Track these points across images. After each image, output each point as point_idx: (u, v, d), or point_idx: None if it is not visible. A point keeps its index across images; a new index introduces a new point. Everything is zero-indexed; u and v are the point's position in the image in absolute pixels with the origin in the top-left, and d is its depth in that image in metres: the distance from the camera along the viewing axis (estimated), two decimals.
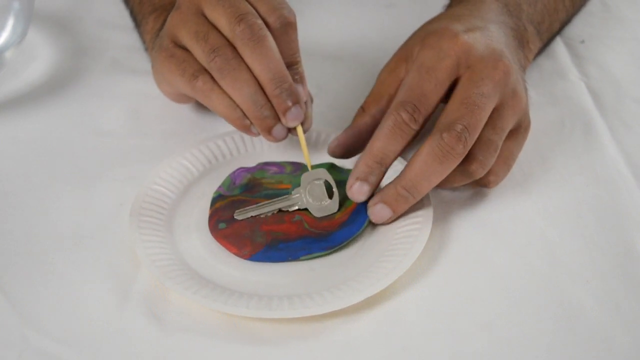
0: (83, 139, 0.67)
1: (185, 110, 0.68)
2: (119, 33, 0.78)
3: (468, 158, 0.55)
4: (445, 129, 0.53)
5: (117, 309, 0.52)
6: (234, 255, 0.56)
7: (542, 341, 0.50)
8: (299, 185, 0.58)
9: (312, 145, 0.63)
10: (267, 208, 0.58)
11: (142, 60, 0.72)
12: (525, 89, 0.59)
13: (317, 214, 0.58)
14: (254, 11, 0.56)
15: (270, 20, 0.57)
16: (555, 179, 0.62)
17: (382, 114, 0.57)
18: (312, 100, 0.61)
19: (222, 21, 0.56)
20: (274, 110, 0.57)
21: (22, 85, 0.72)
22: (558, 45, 0.77)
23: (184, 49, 0.59)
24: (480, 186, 0.59)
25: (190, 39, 0.57)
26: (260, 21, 0.56)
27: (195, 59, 0.58)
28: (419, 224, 0.56)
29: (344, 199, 0.58)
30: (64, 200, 0.60)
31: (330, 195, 0.58)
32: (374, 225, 0.58)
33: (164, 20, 0.64)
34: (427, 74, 0.56)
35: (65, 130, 0.67)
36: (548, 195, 0.60)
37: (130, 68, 0.74)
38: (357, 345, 0.50)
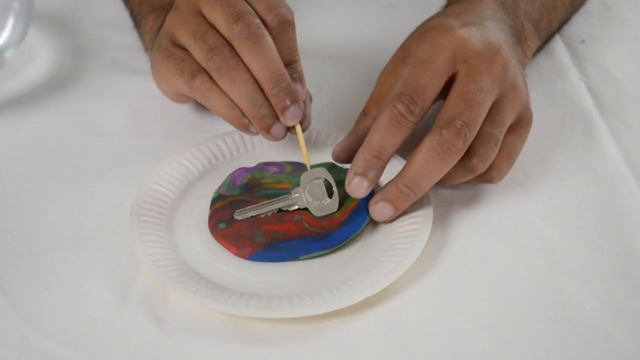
0: (83, 139, 0.67)
1: (185, 110, 0.68)
2: (119, 33, 0.78)
3: (468, 153, 0.55)
4: (445, 125, 0.53)
5: (117, 309, 0.52)
6: (234, 255, 0.56)
7: (542, 341, 0.50)
8: (298, 184, 0.58)
9: (312, 144, 0.63)
10: (267, 208, 0.58)
11: (142, 60, 0.72)
12: (525, 83, 0.59)
13: (317, 214, 0.58)
14: (251, 10, 0.56)
15: (268, 19, 0.57)
16: (555, 179, 0.62)
17: None
18: (311, 99, 0.61)
19: (219, 21, 0.56)
20: (272, 109, 0.57)
21: (22, 85, 0.72)
22: (558, 45, 0.77)
23: (183, 48, 0.59)
24: (483, 182, 0.59)
25: (188, 39, 0.57)
26: (257, 20, 0.56)
27: (193, 59, 0.58)
28: (419, 224, 0.56)
29: (343, 199, 0.58)
30: (64, 200, 0.60)
31: (330, 194, 0.58)
32: (374, 225, 0.58)
33: (163, 20, 0.64)
34: (423, 66, 0.56)
35: (65, 130, 0.67)
36: (548, 195, 0.61)
37: (130, 68, 0.74)
38: (357, 345, 0.50)
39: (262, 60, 0.56)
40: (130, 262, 0.55)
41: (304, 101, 0.59)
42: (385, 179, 0.58)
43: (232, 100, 0.57)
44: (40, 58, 0.75)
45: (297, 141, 0.59)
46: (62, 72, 0.74)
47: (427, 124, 0.57)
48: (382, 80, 0.61)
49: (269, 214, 0.58)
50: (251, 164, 0.62)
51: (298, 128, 0.58)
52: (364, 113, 0.61)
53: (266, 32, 0.56)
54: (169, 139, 0.66)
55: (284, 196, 0.58)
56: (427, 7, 0.68)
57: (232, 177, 0.61)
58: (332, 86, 0.72)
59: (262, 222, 0.57)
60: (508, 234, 0.58)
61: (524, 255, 0.56)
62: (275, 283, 0.54)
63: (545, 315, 0.52)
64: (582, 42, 0.78)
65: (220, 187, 0.60)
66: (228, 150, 0.64)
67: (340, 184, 0.58)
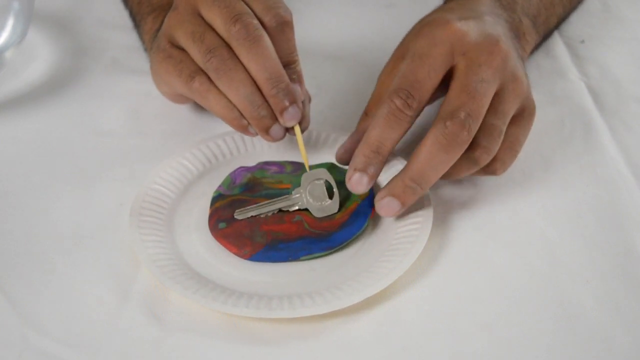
0: (83, 139, 0.67)
1: (185, 110, 0.68)
2: (119, 33, 0.78)
3: (472, 145, 0.54)
4: (449, 117, 0.53)
5: (117, 309, 0.52)
6: (234, 255, 0.56)
7: (542, 341, 0.50)
8: (299, 185, 0.58)
9: (312, 145, 0.63)
10: (267, 208, 0.58)
11: (141, 60, 0.72)
12: (526, 75, 0.58)
13: (318, 214, 0.58)
14: (249, 11, 0.56)
15: (266, 19, 0.57)
16: (555, 179, 0.62)
17: None
18: (310, 100, 0.61)
19: (217, 21, 0.56)
20: (271, 110, 0.57)
21: (22, 85, 0.72)
22: (558, 45, 0.77)
23: (181, 49, 0.59)
24: (487, 174, 0.59)
25: (186, 40, 0.57)
26: (255, 21, 0.56)
27: (192, 60, 0.58)
28: (419, 224, 0.56)
29: (344, 199, 0.58)
30: (64, 200, 0.60)
31: (331, 195, 0.58)
32: (374, 225, 0.58)
33: (162, 21, 0.64)
34: (421, 60, 0.56)
35: (65, 130, 0.67)
36: (548, 195, 0.60)
37: (130, 68, 0.74)
38: (357, 345, 0.50)
39: (261, 61, 0.56)
40: (130, 262, 0.55)
41: (303, 102, 0.59)
42: (384, 179, 0.58)
43: (230, 101, 0.57)
44: (40, 58, 0.75)
45: (297, 142, 0.59)
46: (62, 72, 0.74)
47: (429, 117, 0.57)
48: (382, 79, 0.61)
49: (269, 214, 0.58)
50: (251, 163, 0.62)
51: (297, 129, 0.58)
52: (365, 113, 0.61)
53: (264, 33, 0.56)
54: (168, 139, 0.66)
55: (285, 196, 0.58)
56: (427, 7, 0.68)
57: (232, 176, 0.61)
58: (332, 86, 0.72)
59: (262, 222, 0.57)
60: (508, 234, 0.57)
61: (524, 255, 0.56)
62: (275, 283, 0.54)
63: (545, 315, 0.52)
64: (582, 42, 0.78)
65: (220, 187, 0.60)
66: (228, 150, 0.64)
67: (341, 184, 0.58)
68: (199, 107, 0.68)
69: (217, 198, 0.59)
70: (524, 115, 0.58)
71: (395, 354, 0.50)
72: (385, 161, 0.55)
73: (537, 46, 0.73)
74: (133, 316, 0.52)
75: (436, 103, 0.58)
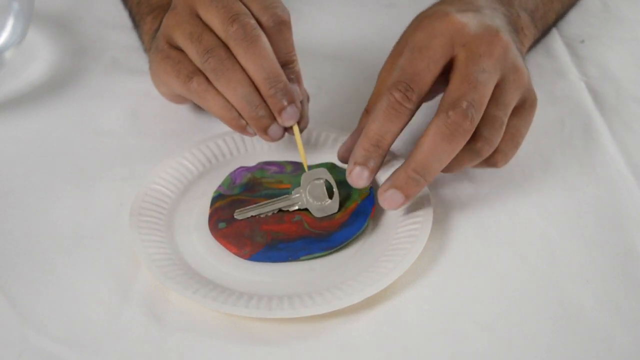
0: (83, 139, 0.67)
1: (185, 110, 0.68)
2: (119, 33, 0.78)
3: (474, 136, 0.54)
4: (451, 107, 0.53)
5: (117, 309, 0.52)
6: (234, 255, 0.56)
7: (542, 341, 0.50)
8: (299, 185, 0.58)
9: (312, 145, 0.63)
10: (267, 208, 0.58)
11: (141, 60, 0.72)
12: (526, 66, 0.58)
13: (318, 214, 0.58)
14: (247, 11, 0.56)
15: (264, 19, 0.57)
16: (555, 179, 0.62)
17: None
18: (308, 99, 0.61)
19: (215, 22, 0.56)
20: (269, 110, 0.57)
21: (22, 85, 0.72)
22: (558, 45, 0.77)
23: (180, 50, 0.59)
24: (488, 166, 0.58)
25: (184, 40, 0.57)
26: (253, 21, 0.56)
27: (190, 60, 0.58)
28: (419, 224, 0.56)
29: (344, 199, 0.58)
30: (64, 200, 0.60)
31: (331, 195, 0.58)
32: (374, 225, 0.58)
33: (161, 21, 0.64)
34: (420, 53, 0.55)
35: (65, 130, 0.67)
36: (548, 195, 0.60)
37: (130, 68, 0.74)
38: (357, 345, 0.50)
39: (258, 61, 0.56)
40: (130, 262, 0.55)
41: (302, 101, 0.59)
42: (384, 179, 0.58)
43: (228, 102, 0.57)
44: (40, 58, 0.75)
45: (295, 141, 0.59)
46: (62, 72, 0.74)
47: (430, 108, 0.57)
48: (382, 76, 0.61)
49: (269, 214, 0.58)
50: (251, 163, 0.62)
51: (295, 128, 0.58)
52: (366, 111, 0.61)
53: (262, 33, 0.56)
54: (168, 139, 0.66)
55: (285, 196, 0.58)
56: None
57: (232, 176, 0.61)
58: (332, 86, 0.72)
59: (262, 222, 0.57)
60: (508, 234, 0.57)
61: (524, 255, 0.56)
62: (275, 283, 0.54)
63: (545, 315, 0.52)
64: (582, 42, 0.78)
65: (220, 187, 0.60)
66: (228, 150, 0.64)
67: (341, 184, 0.58)
68: (199, 107, 0.68)
69: (217, 198, 0.59)
70: (525, 106, 0.58)
71: (395, 354, 0.50)
72: (385, 155, 0.55)
73: (536, 42, 0.73)
74: (133, 316, 0.52)
75: (437, 101, 0.58)
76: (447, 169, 0.55)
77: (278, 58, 0.57)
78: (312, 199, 0.58)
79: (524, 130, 0.58)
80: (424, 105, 0.58)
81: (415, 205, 0.57)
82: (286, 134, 0.59)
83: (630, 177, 0.62)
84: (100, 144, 0.66)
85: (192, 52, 0.57)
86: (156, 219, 0.57)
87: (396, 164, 0.60)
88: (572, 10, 0.82)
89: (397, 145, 0.61)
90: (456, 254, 0.56)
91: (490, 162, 0.58)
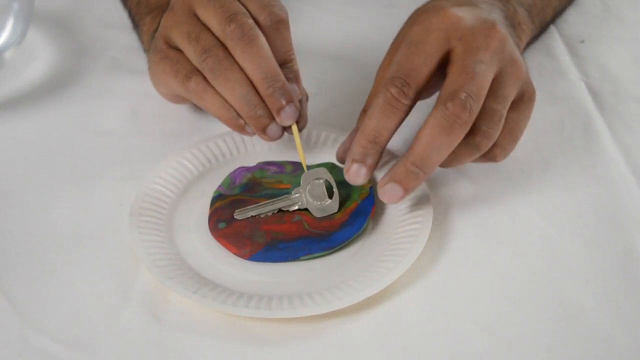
0: (83, 139, 0.67)
1: (185, 110, 0.68)
2: (119, 33, 0.78)
3: (473, 130, 0.54)
4: (449, 99, 0.52)
5: (117, 309, 0.52)
6: (234, 255, 0.56)
7: (542, 341, 0.50)
8: (299, 184, 0.58)
9: (312, 144, 0.63)
10: (267, 208, 0.58)
11: (141, 60, 0.72)
12: (524, 59, 0.58)
13: (318, 214, 0.58)
14: (244, 10, 0.56)
15: (261, 18, 0.57)
16: (555, 179, 0.62)
17: None
18: (307, 98, 0.61)
19: (213, 21, 0.56)
20: (267, 110, 0.57)
21: (22, 85, 0.72)
22: (558, 44, 0.77)
23: (178, 50, 0.59)
24: (487, 161, 0.58)
25: (182, 40, 0.57)
26: (251, 21, 0.56)
27: (188, 60, 0.58)
28: (419, 224, 0.56)
29: (344, 199, 0.58)
30: (64, 200, 0.60)
31: (331, 195, 0.58)
32: (374, 225, 0.58)
33: (160, 21, 0.64)
34: (416, 48, 0.55)
35: (65, 130, 0.67)
36: (548, 195, 0.60)
37: (129, 68, 0.74)
38: (357, 345, 0.50)
39: (256, 60, 0.55)
40: (130, 262, 0.55)
41: (300, 100, 0.59)
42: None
43: (227, 101, 0.57)
44: (40, 58, 0.75)
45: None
46: (62, 72, 0.74)
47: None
48: (380, 75, 0.61)
49: (269, 214, 0.58)
50: (251, 163, 0.62)
51: (294, 128, 0.58)
52: (364, 110, 0.60)
53: (259, 33, 0.56)
54: (168, 139, 0.66)
55: (284, 196, 0.58)
56: None
57: (232, 176, 0.61)
58: (332, 86, 0.72)
59: (262, 222, 0.57)
60: (508, 234, 0.57)
61: (524, 255, 0.56)
62: (275, 283, 0.54)
63: (545, 315, 0.52)
64: (582, 42, 0.78)
65: (220, 187, 0.60)
66: (228, 150, 0.64)
67: (341, 184, 0.58)
68: (199, 107, 0.68)
69: (217, 198, 0.59)
70: (523, 99, 0.57)
71: (395, 354, 0.50)
72: (382, 151, 0.55)
73: (534, 38, 0.72)
74: (133, 316, 0.52)
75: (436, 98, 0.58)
76: (446, 164, 0.55)
77: (276, 57, 0.57)
78: (312, 198, 0.58)
79: (523, 124, 0.58)
80: (424, 103, 0.58)
81: (415, 205, 0.57)
82: (285, 133, 0.59)
83: (630, 177, 0.62)
84: (100, 144, 0.66)
85: (190, 52, 0.57)
86: (156, 219, 0.57)
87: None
88: (572, 11, 0.82)
89: (397, 144, 0.61)
90: (456, 254, 0.56)
91: (489, 156, 0.57)
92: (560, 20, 0.80)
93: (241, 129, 0.58)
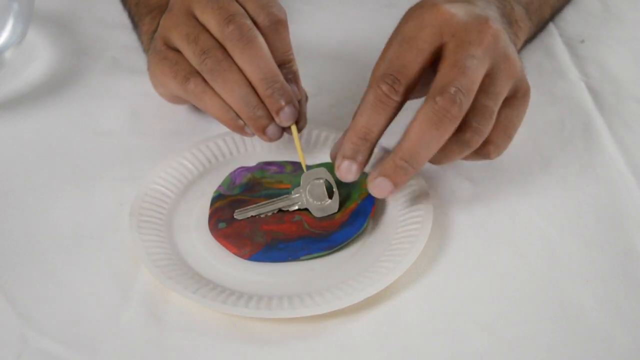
0: (83, 139, 0.67)
1: (185, 110, 0.68)
2: (119, 33, 0.78)
3: (463, 127, 0.53)
4: (439, 93, 0.52)
5: (117, 309, 0.52)
6: (234, 255, 0.56)
7: (542, 341, 0.50)
8: (299, 184, 0.58)
9: (312, 145, 0.63)
10: (267, 208, 0.58)
11: (141, 60, 0.72)
12: (518, 56, 0.57)
13: (318, 214, 0.58)
14: (243, 11, 0.56)
15: (260, 19, 0.57)
16: (555, 179, 0.62)
17: None
18: (306, 99, 0.61)
19: (211, 22, 0.56)
20: (267, 110, 0.57)
21: (22, 85, 0.72)
22: (558, 45, 0.77)
23: (177, 51, 0.59)
24: (481, 158, 0.57)
25: (181, 41, 0.57)
26: (249, 21, 0.56)
27: (187, 61, 0.58)
28: (419, 224, 0.56)
29: (344, 199, 0.58)
30: (64, 200, 0.60)
31: (331, 195, 0.58)
32: (374, 225, 0.58)
33: (159, 22, 0.64)
34: (407, 44, 0.55)
35: (65, 130, 0.67)
36: (548, 195, 0.60)
37: (130, 68, 0.74)
38: (357, 345, 0.50)
39: (255, 61, 0.55)
40: (130, 262, 0.55)
41: (300, 101, 0.59)
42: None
43: (226, 102, 0.57)
44: (40, 58, 0.75)
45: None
46: (62, 72, 0.74)
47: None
48: (375, 73, 0.61)
49: (269, 214, 0.58)
50: (251, 163, 0.62)
51: (294, 128, 0.58)
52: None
53: (258, 34, 0.56)
54: (168, 139, 0.66)
55: (284, 196, 0.58)
56: None
57: (232, 176, 0.61)
58: (332, 86, 0.72)
59: (262, 222, 0.57)
60: (508, 234, 0.57)
61: (524, 255, 0.56)
62: (275, 283, 0.54)
63: (545, 315, 0.52)
64: (582, 42, 0.78)
65: (220, 187, 0.60)
66: (228, 150, 0.64)
67: (341, 184, 0.58)
68: (198, 108, 0.68)
69: (217, 198, 0.59)
70: (517, 96, 0.56)
71: (395, 354, 0.50)
72: (373, 148, 0.55)
73: (533, 37, 0.72)
74: (133, 316, 0.52)
75: None
76: (437, 160, 0.55)
77: (275, 58, 0.57)
78: (312, 198, 0.58)
79: (517, 122, 0.57)
80: (420, 102, 0.58)
81: (415, 205, 0.57)
82: (285, 134, 0.59)
83: (630, 177, 0.62)
84: (100, 144, 0.66)
85: (188, 53, 0.57)
86: (156, 219, 0.57)
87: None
88: (572, 10, 0.82)
89: (391, 141, 0.61)
90: (456, 254, 0.56)
91: (482, 153, 0.57)
92: (560, 20, 0.80)
93: (240, 130, 0.58)
